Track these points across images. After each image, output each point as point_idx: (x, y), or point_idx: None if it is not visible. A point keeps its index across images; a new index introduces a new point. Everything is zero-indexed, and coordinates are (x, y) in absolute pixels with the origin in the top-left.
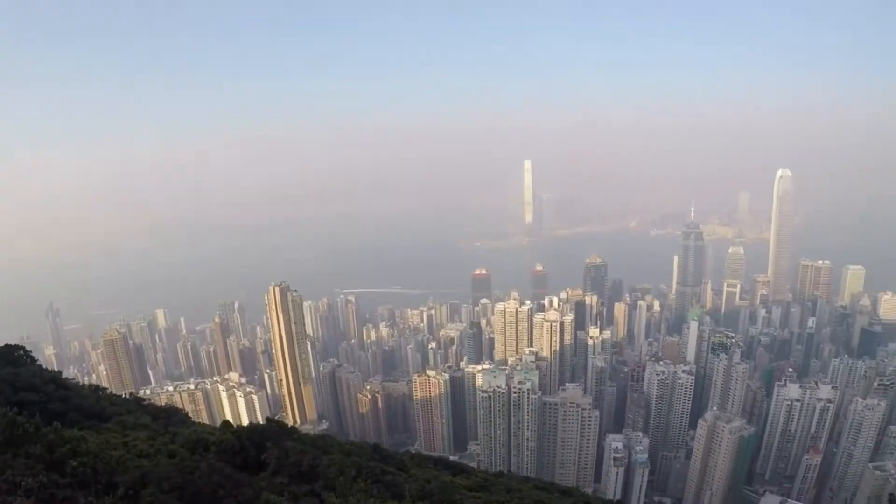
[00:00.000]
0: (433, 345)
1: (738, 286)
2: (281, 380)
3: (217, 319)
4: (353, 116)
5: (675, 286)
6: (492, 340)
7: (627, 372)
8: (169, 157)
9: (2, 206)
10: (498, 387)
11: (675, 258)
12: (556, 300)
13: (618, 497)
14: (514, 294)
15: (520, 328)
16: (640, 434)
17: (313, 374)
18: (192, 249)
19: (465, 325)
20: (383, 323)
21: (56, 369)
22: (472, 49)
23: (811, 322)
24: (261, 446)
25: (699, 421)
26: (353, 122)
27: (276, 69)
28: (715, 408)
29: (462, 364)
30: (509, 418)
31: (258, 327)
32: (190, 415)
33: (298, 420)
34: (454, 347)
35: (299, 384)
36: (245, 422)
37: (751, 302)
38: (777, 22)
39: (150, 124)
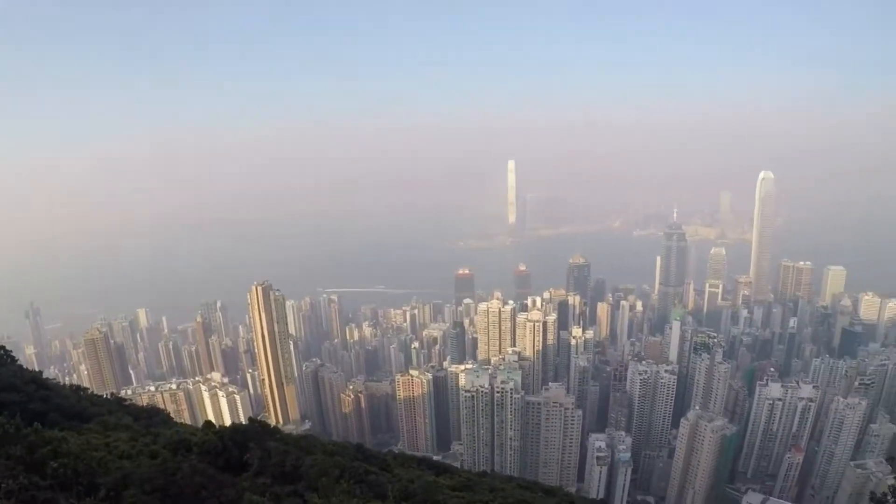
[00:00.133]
0: (416, 344)
1: (721, 286)
2: (263, 379)
3: (199, 319)
4: (352, 117)
5: (657, 286)
6: (475, 340)
7: (610, 371)
8: (157, 157)
9: None
10: (481, 386)
11: (658, 258)
12: (539, 300)
13: (601, 496)
14: (498, 294)
15: (503, 328)
16: (623, 433)
17: (296, 374)
18: (174, 248)
19: (448, 324)
20: (366, 322)
21: (37, 369)
22: (471, 49)
23: (793, 322)
24: (243, 447)
25: (682, 420)
26: (352, 123)
27: (276, 69)
28: (697, 407)
29: (445, 364)
30: (492, 418)
31: (241, 327)
32: (172, 415)
33: (281, 420)
34: (437, 347)
35: (282, 384)
36: (227, 422)
37: (733, 302)
38: (765, 24)
39: (144, 123)
